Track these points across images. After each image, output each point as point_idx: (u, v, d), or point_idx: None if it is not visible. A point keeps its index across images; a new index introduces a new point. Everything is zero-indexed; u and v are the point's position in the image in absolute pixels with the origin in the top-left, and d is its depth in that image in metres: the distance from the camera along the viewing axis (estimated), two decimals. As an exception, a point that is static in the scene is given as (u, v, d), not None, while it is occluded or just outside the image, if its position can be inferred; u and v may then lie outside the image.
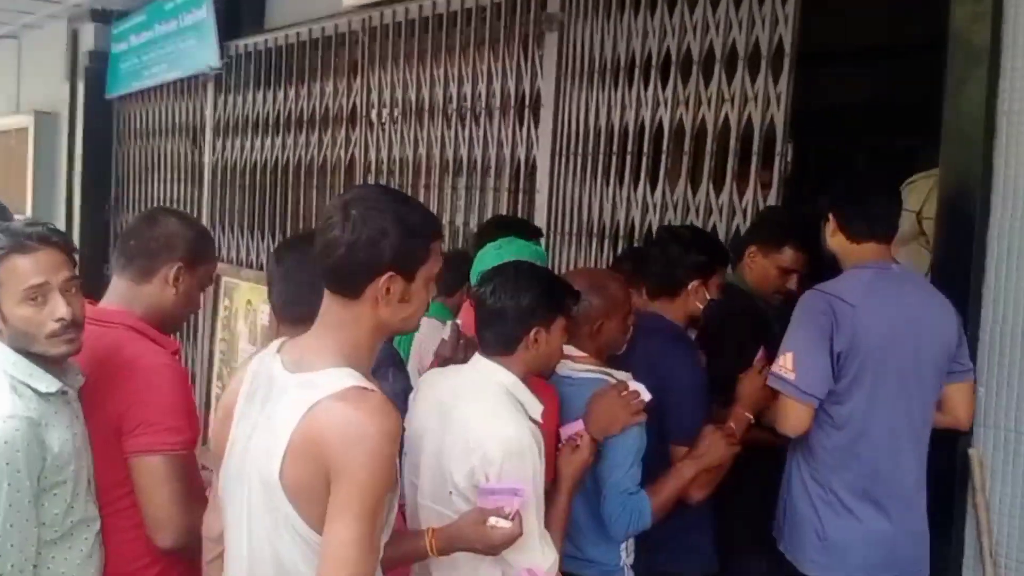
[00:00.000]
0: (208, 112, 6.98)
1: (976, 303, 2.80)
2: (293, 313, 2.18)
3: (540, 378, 2.50)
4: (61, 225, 8.43)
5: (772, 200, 3.57)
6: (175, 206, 7.37)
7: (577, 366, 2.69)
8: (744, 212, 3.67)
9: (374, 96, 5.50)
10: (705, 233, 3.38)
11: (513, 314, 2.30)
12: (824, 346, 2.59)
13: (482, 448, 2.20)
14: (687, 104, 3.86)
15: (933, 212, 3.10)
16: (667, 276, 3.02)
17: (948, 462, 2.84)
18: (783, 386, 2.63)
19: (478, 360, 2.39)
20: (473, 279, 2.80)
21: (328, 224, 1.79)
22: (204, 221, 6.66)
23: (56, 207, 8.69)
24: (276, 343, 1.92)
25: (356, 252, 1.75)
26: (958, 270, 2.84)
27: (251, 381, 1.89)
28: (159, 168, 7.72)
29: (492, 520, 2.06)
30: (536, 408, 2.33)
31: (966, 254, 2.80)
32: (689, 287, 2.98)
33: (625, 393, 2.56)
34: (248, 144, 6.60)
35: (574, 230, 4.34)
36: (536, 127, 4.51)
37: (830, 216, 2.76)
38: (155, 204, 7.66)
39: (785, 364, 2.63)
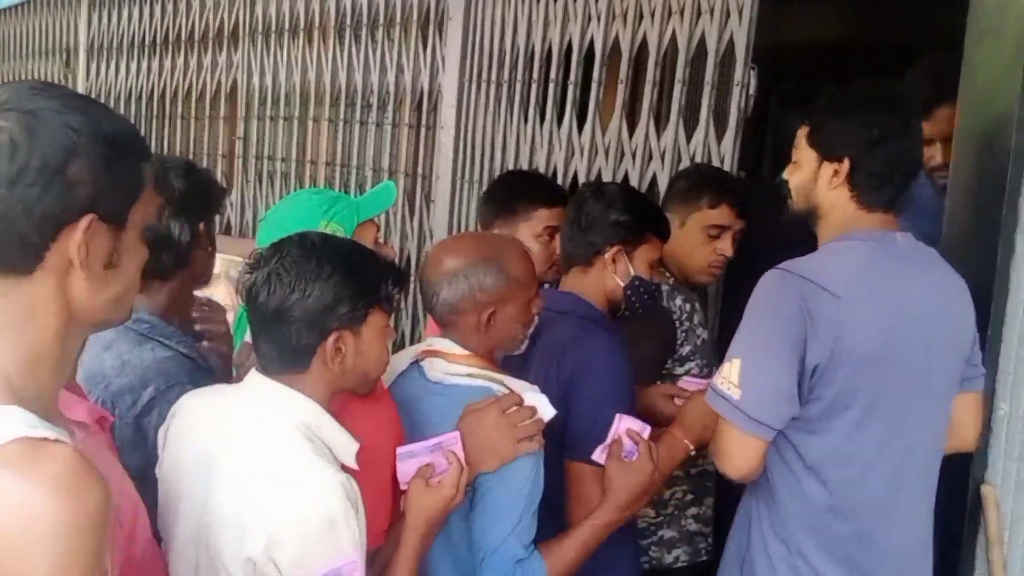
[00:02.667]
0: (82, 30, 6.02)
1: (1002, 289, 2.04)
2: None
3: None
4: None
5: (728, 144, 2.78)
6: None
7: (453, 368, 1.89)
8: (692, 158, 2.87)
9: (258, 9, 4.59)
10: (638, 192, 2.54)
11: (298, 315, 1.53)
12: (789, 354, 1.75)
13: (265, 528, 1.44)
14: (624, 18, 3.03)
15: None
16: (580, 240, 2.22)
17: (953, 502, 2.09)
18: (724, 408, 1.80)
19: (257, 382, 1.59)
20: None
21: None
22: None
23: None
24: None
25: (20, 192, 1.06)
26: (976, 244, 2.08)
27: None
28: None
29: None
30: (349, 449, 1.56)
31: (988, 222, 2.04)
32: (606, 255, 2.18)
33: (513, 410, 1.76)
34: (124, 68, 5.67)
35: (484, 177, 3.51)
36: (443, 47, 3.66)
37: (844, 160, 1.83)
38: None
39: (729, 376, 1.79)
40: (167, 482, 1.60)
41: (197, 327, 2.00)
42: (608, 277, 2.20)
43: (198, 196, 1.91)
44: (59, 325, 1.11)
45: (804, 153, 1.92)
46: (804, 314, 1.74)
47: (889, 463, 1.81)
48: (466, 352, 1.91)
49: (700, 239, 2.55)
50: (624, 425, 1.93)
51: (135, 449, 1.73)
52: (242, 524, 1.46)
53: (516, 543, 1.75)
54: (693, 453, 2.05)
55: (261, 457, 1.50)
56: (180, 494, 1.56)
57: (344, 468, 1.53)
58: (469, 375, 1.88)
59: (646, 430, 1.93)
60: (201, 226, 1.91)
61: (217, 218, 2.02)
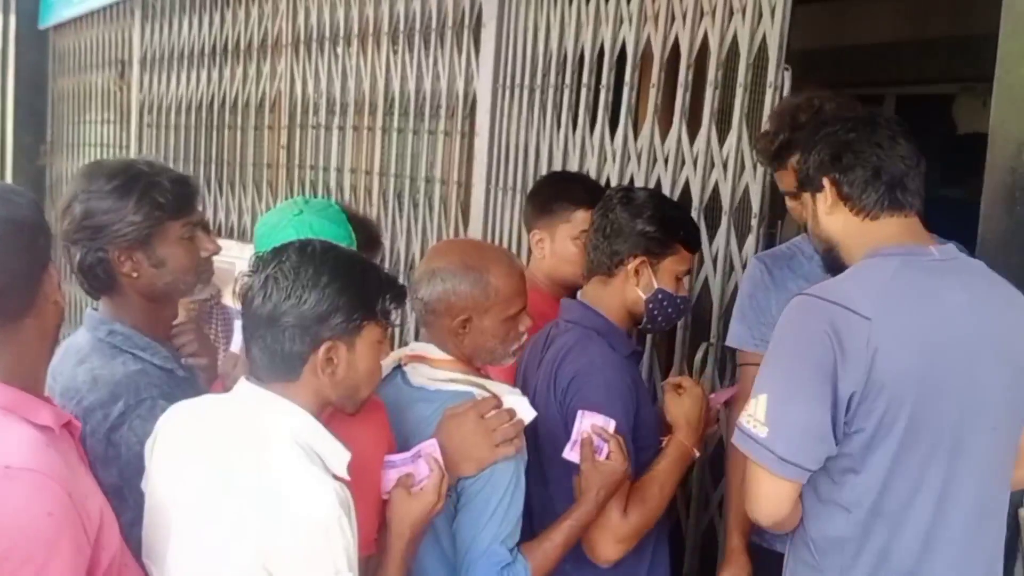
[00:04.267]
0: (136, 42, 6.12)
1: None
2: None
3: None
4: (-5, 171, 7.69)
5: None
6: (105, 150, 6.62)
7: (436, 374, 1.90)
8: (724, 164, 2.78)
9: (300, 20, 4.61)
10: (668, 200, 2.46)
11: (291, 321, 1.52)
12: (819, 386, 1.63)
13: (260, 538, 1.44)
14: (656, 20, 2.96)
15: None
16: (604, 248, 2.16)
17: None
18: (751, 448, 1.68)
19: (247, 390, 1.58)
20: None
21: None
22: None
23: (-11, 149, 7.89)
24: None
25: None
26: (1014, 246, 1.97)
27: None
28: (92, 107, 6.90)
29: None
30: (340, 459, 1.56)
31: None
32: (628, 266, 2.11)
33: (491, 414, 1.77)
34: (175, 79, 5.74)
35: (517, 183, 3.46)
36: (477, 54, 3.62)
37: (824, 183, 1.79)
38: (88, 147, 6.89)
39: (755, 413, 1.67)
40: (155, 495, 1.59)
41: (175, 343, 1.97)
42: (630, 289, 2.14)
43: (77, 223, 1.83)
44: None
45: (804, 201, 1.88)
46: (832, 340, 1.62)
47: (933, 496, 1.67)
48: (448, 357, 1.91)
49: (572, 249, 2.55)
50: (588, 421, 1.92)
51: (108, 464, 1.72)
52: (236, 535, 1.45)
53: (502, 548, 1.76)
54: (697, 456, 2.02)
55: (253, 466, 1.49)
56: (169, 506, 1.54)
57: (335, 477, 1.51)
58: (451, 380, 1.89)
59: (610, 423, 1.92)
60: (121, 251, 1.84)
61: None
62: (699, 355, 2.83)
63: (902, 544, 1.68)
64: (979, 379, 1.68)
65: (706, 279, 2.83)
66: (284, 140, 4.84)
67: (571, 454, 1.93)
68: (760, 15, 2.67)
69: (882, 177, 1.74)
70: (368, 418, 1.68)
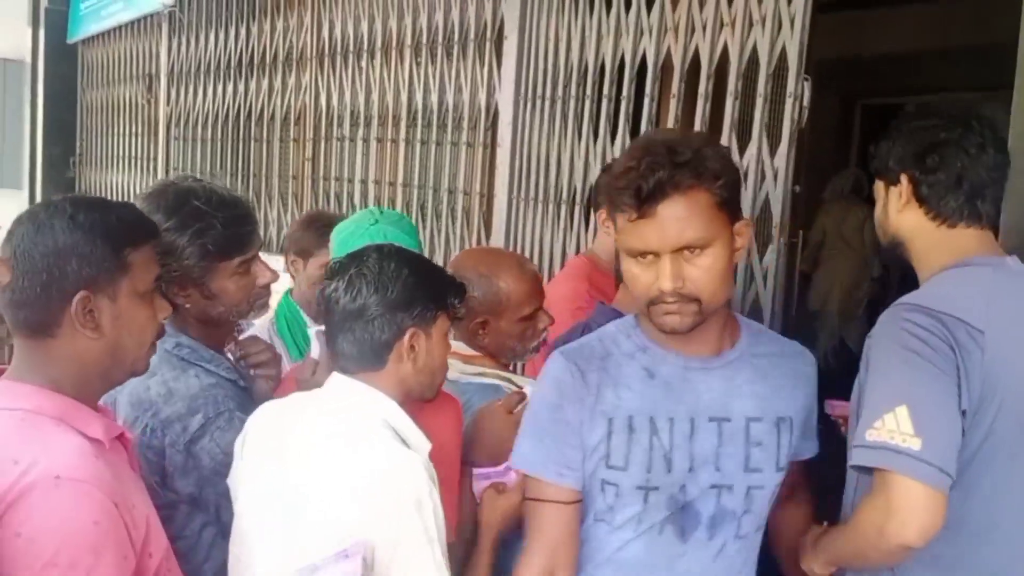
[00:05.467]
0: (163, 56, 6.21)
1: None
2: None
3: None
4: (24, 182, 7.79)
5: (781, 158, 2.70)
6: (134, 162, 6.71)
7: (468, 368, 2.05)
8: (745, 173, 2.79)
9: (324, 32, 4.67)
10: None
11: (380, 311, 1.67)
12: (954, 395, 1.56)
13: (357, 517, 1.56)
14: (676, 31, 2.98)
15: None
16: None
17: None
18: (904, 465, 1.53)
19: (339, 381, 1.71)
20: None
21: None
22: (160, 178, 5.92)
23: (20, 162, 7.99)
24: None
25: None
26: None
27: None
28: (120, 120, 6.99)
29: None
30: (424, 445, 1.67)
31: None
32: None
33: (518, 408, 1.87)
34: (202, 92, 5.82)
35: (539, 194, 3.48)
36: (499, 67, 3.65)
37: (903, 179, 1.73)
38: (117, 160, 6.99)
39: (898, 427, 1.55)
40: (248, 489, 1.70)
41: (240, 361, 1.99)
42: None
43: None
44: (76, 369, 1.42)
45: (876, 187, 1.82)
46: (956, 352, 1.56)
47: None
48: (477, 354, 2.08)
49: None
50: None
51: (187, 474, 1.78)
52: (333, 514, 1.56)
53: None
54: None
55: (347, 446, 1.61)
56: (260, 494, 1.66)
57: None
58: (481, 373, 2.05)
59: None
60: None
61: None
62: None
63: (1000, 562, 1.64)
64: None
65: (727, 289, 2.84)
66: (309, 152, 4.90)
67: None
68: (780, 25, 2.68)
69: (963, 185, 1.68)
70: (444, 411, 1.82)
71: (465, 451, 1.88)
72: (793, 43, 2.64)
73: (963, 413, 1.57)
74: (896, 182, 1.74)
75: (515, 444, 1.68)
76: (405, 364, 1.68)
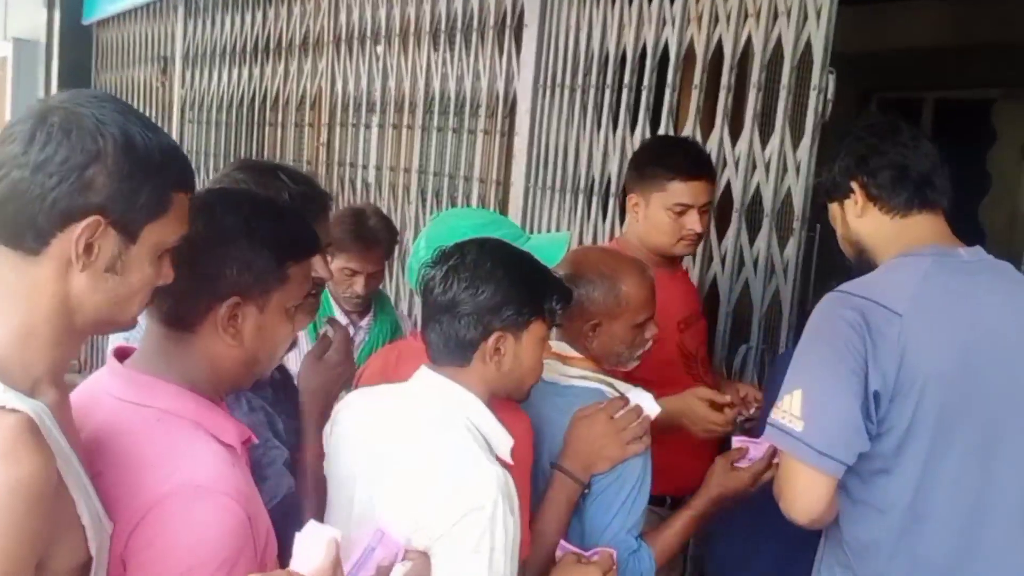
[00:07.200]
0: (178, 39, 6.19)
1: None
2: None
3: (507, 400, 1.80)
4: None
5: (804, 150, 2.68)
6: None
7: (568, 370, 2.00)
8: (767, 166, 2.78)
9: (342, 17, 4.65)
10: None
11: (468, 310, 1.66)
12: (854, 380, 1.64)
13: (427, 519, 1.57)
14: (699, 21, 2.96)
15: None
16: None
17: None
18: (786, 443, 1.69)
19: (424, 375, 1.72)
20: (416, 259, 1.98)
21: (8, 135, 1.14)
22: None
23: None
24: None
25: (40, 178, 1.13)
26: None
27: None
28: (134, 102, 6.97)
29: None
30: (505, 444, 1.68)
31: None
32: None
33: (620, 415, 1.88)
34: (217, 75, 5.80)
35: (556, 183, 3.47)
36: (518, 54, 3.63)
37: (853, 186, 1.81)
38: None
39: (790, 408, 1.68)
40: (335, 464, 1.72)
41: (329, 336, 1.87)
42: None
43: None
44: (52, 309, 1.16)
45: (831, 213, 1.91)
46: (864, 335, 1.64)
47: (969, 498, 1.67)
48: (580, 356, 2.03)
49: (664, 219, 2.51)
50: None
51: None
52: (402, 511, 1.57)
53: (628, 536, 1.88)
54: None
55: (427, 449, 1.62)
56: (353, 476, 1.68)
57: (498, 460, 1.63)
58: (583, 376, 1.99)
59: (761, 447, 1.95)
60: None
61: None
62: (738, 358, 2.84)
63: (938, 547, 1.69)
64: (1016, 379, 1.68)
65: (747, 282, 2.83)
66: (324, 137, 4.88)
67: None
68: (805, 17, 2.66)
69: (910, 174, 1.77)
70: (516, 424, 1.75)
71: (560, 455, 1.86)
72: (818, 36, 2.62)
73: (875, 395, 1.64)
74: (848, 193, 1.82)
75: None
76: (489, 365, 1.67)
